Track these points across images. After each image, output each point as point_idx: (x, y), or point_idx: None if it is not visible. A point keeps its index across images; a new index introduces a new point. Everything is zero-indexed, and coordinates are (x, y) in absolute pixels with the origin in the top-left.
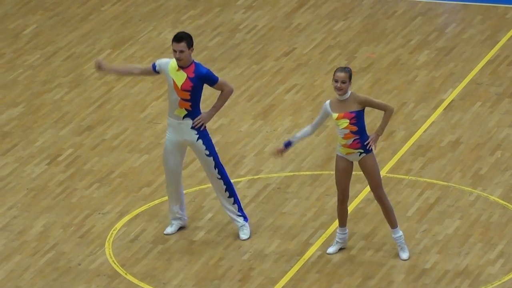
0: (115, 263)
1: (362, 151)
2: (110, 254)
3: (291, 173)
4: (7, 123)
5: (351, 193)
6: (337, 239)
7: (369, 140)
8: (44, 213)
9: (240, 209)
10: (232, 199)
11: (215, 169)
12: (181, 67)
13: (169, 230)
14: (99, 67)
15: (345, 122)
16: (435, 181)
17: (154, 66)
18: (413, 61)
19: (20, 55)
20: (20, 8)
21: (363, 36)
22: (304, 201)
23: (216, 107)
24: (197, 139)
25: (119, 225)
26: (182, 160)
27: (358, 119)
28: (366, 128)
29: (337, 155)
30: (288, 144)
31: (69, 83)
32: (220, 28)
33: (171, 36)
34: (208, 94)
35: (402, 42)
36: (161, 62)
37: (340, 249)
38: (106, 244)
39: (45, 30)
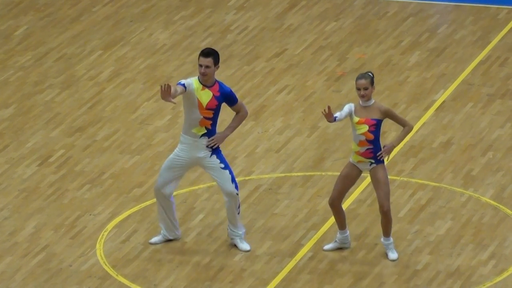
0: (106, 264)
1: (373, 161)
2: (101, 255)
3: (283, 174)
4: None
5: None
6: (336, 239)
7: (383, 150)
8: (35, 214)
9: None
10: (239, 216)
11: (232, 183)
12: (205, 85)
13: (155, 239)
14: (167, 96)
15: (364, 128)
16: (426, 182)
17: (183, 84)
18: (404, 62)
19: (11, 56)
20: (11, 9)
21: (354, 37)
22: (295, 202)
23: (231, 128)
24: (211, 155)
25: (110, 226)
26: (181, 177)
27: (376, 127)
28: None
29: (349, 161)
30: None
31: (60, 84)
32: (212, 29)
33: (162, 37)
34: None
35: (394, 43)
36: (188, 81)
37: (338, 249)
38: (97, 245)
39: (36, 31)
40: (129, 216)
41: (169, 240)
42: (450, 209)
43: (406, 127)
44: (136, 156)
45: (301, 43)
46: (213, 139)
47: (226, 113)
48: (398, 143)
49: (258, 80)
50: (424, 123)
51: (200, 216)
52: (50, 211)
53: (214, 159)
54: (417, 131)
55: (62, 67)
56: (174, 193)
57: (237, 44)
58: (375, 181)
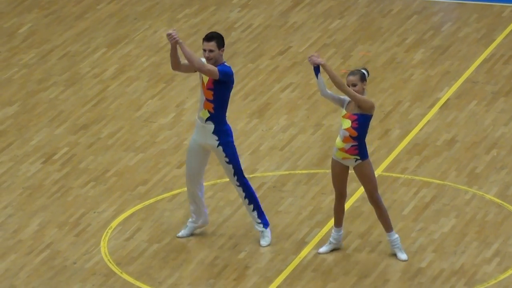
0: (110, 262)
1: (358, 157)
2: (105, 253)
3: (287, 172)
4: (2, 122)
5: (347, 191)
6: (331, 239)
7: (313, 56)
8: (39, 212)
9: (260, 215)
10: (251, 206)
11: (234, 176)
12: None
13: (181, 232)
14: (175, 40)
15: (347, 123)
16: (430, 180)
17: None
18: (408, 59)
19: (15, 54)
20: (16, 6)
21: (358, 35)
22: (299, 199)
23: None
24: (217, 145)
25: (114, 223)
26: (205, 162)
27: (359, 123)
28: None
29: (332, 159)
30: (316, 71)
31: (64, 82)
32: (216, 27)
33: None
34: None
35: (398, 41)
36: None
37: (333, 250)
38: (102, 242)
39: (40, 29)
40: (133, 213)
41: (196, 232)
42: (454, 207)
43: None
44: (140, 154)
45: (305, 41)
46: (170, 34)
47: (230, 110)
48: (329, 69)
49: (262, 78)
50: (428, 121)
51: None
52: (54, 208)
53: (221, 151)
54: (421, 129)
55: (66, 64)
56: (178, 190)
57: (241, 42)
58: (361, 177)
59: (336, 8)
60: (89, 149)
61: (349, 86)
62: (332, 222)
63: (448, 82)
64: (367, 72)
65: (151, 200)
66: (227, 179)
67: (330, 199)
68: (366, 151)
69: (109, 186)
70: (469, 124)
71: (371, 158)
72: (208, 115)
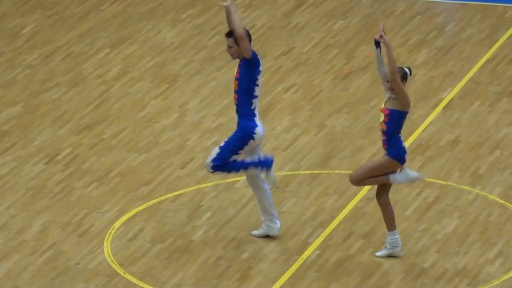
0: (113, 262)
1: (386, 152)
2: (108, 253)
3: (290, 172)
4: (5, 123)
5: (350, 192)
6: (386, 244)
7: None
8: (42, 212)
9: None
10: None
11: (211, 162)
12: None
13: (255, 232)
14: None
15: (381, 117)
16: (434, 180)
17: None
18: (412, 60)
19: (18, 54)
20: (19, 7)
21: (362, 35)
22: (303, 200)
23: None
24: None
25: (117, 224)
26: (255, 150)
27: (391, 119)
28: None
29: None
30: (377, 44)
31: (67, 82)
32: (219, 27)
33: (170, 35)
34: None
35: (401, 41)
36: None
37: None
38: (105, 243)
39: (43, 29)
40: (136, 214)
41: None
42: (457, 207)
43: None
44: (144, 154)
45: (308, 42)
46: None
47: (233, 110)
48: (391, 52)
49: (265, 78)
50: (431, 122)
51: (208, 214)
52: (58, 209)
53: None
54: (424, 130)
55: (70, 65)
56: (182, 191)
57: None
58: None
59: (339, 9)
60: (92, 150)
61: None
62: (335, 223)
63: (451, 83)
64: (410, 71)
65: (154, 201)
66: (230, 180)
67: (333, 199)
68: (397, 151)
69: (112, 186)
70: (472, 124)
71: (374, 158)
72: (236, 106)
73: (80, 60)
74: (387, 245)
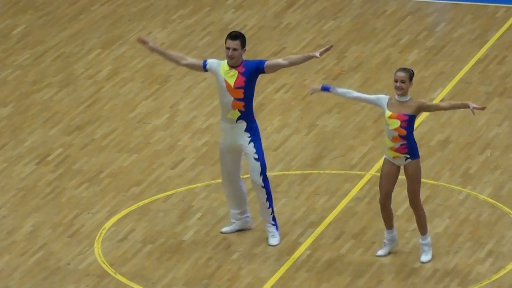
0: (104, 263)
1: (408, 156)
2: (99, 254)
3: (281, 173)
4: None
5: (340, 192)
6: (384, 241)
7: (474, 107)
8: (33, 213)
9: (274, 217)
10: (270, 210)
11: (260, 176)
12: (232, 66)
13: (226, 228)
14: (143, 42)
15: (396, 123)
16: (424, 180)
17: (205, 64)
18: (402, 60)
19: (9, 55)
20: (10, 8)
21: (352, 36)
22: (293, 200)
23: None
24: (249, 142)
25: (108, 224)
26: (240, 161)
27: (409, 123)
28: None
29: (384, 158)
30: (325, 89)
31: (58, 83)
32: (210, 28)
33: (160, 36)
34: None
35: (392, 42)
36: (213, 62)
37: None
38: (95, 243)
39: (34, 30)
40: (127, 214)
41: (242, 230)
42: (448, 207)
43: (445, 107)
44: (134, 155)
45: (299, 42)
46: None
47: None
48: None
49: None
50: (422, 122)
51: (198, 215)
52: (48, 209)
53: (251, 148)
54: (415, 129)
55: (61, 66)
56: (173, 191)
57: None
58: (408, 175)
59: (330, 9)
60: (83, 150)
61: (397, 82)
62: (325, 222)
63: (442, 83)
64: (413, 71)
65: (145, 201)
66: (220, 180)
67: (323, 199)
68: (417, 150)
69: (103, 187)
70: (463, 124)
71: (365, 159)
72: (239, 114)
73: (71, 61)
74: (386, 241)
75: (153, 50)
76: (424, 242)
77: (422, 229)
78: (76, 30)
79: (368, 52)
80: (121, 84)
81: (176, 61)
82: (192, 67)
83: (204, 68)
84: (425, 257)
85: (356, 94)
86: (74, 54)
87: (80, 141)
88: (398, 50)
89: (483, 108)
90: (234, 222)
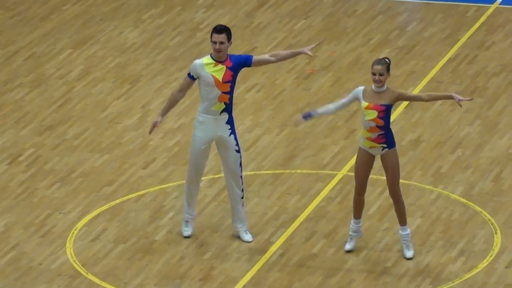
0: (76, 263)
1: (385, 145)
2: (71, 254)
3: (252, 172)
4: None
5: (312, 191)
6: (350, 233)
7: (460, 99)
8: (4, 213)
9: (244, 213)
10: (243, 200)
11: (240, 166)
12: (218, 61)
13: (189, 232)
14: (154, 126)
15: (373, 114)
16: None
17: (190, 75)
18: (373, 59)
19: None
20: None
21: (324, 35)
22: (265, 200)
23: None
24: (230, 134)
25: (80, 224)
26: (207, 159)
27: (386, 113)
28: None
29: (359, 147)
30: (307, 116)
31: (30, 83)
32: (181, 27)
33: (132, 36)
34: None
35: (363, 41)
36: (194, 66)
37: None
38: (67, 243)
39: (5, 30)
40: (98, 214)
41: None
42: (420, 207)
43: (423, 98)
44: (106, 155)
45: (270, 41)
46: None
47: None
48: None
49: None
50: (393, 121)
51: (170, 214)
52: (20, 209)
53: (232, 140)
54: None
55: (32, 65)
56: (144, 191)
57: (206, 43)
58: (386, 165)
59: (301, 9)
60: (54, 150)
61: (375, 75)
62: (297, 222)
63: (413, 82)
64: (389, 60)
65: (117, 201)
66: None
67: (295, 199)
68: (393, 139)
69: (75, 187)
70: (434, 124)
71: (337, 158)
72: (224, 106)
73: (42, 61)
74: (352, 234)
75: (164, 115)
76: (404, 233)
77: (402, 219)
78: (48, 30)
79: (339, 51)
80: (92, 84)
81: (178, 100)
82: (186, 88)
83: (192, 78)
84: (408, 252)
85: (333, 105)
86: (45, 54)
87: (51, 141)
88: (369, 49)
89: (470, 99)
90: (190, 224)
